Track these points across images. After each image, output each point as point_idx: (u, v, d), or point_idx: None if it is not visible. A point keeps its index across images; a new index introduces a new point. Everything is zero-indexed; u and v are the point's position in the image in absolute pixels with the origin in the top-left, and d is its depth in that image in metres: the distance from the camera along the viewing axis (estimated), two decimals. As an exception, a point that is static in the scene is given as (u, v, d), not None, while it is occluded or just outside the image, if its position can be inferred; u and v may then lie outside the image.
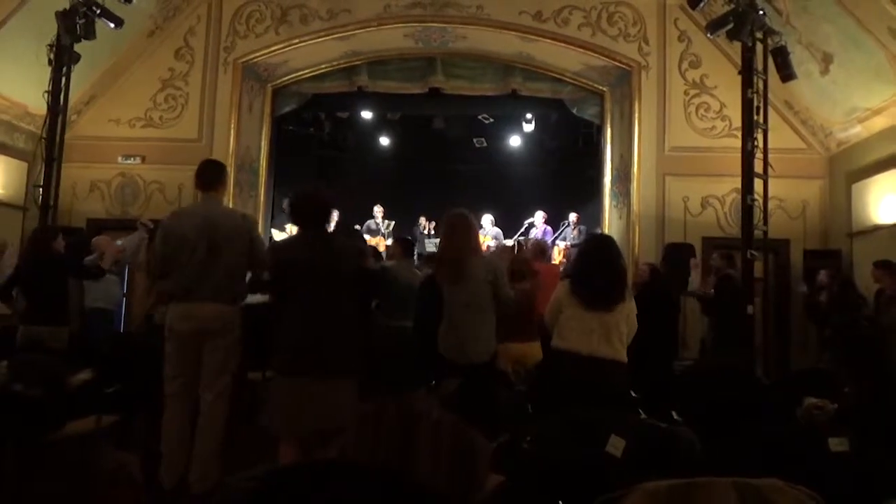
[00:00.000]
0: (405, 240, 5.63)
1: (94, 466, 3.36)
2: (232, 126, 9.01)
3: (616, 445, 2.14)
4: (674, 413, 3.25)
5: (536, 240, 8.99)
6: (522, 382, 4.10)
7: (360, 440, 2.73)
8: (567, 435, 2.26)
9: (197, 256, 3.56)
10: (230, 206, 8.43)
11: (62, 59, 6.60)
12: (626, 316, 3.69)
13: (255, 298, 4.11)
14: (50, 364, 3.43)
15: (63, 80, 6.66)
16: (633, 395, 3.94)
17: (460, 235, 3.89)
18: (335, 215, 9.41)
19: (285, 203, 10.43)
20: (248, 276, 3.77)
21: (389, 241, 10.18)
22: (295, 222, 3.42)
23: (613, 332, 3.61)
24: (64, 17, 6.42)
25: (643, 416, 3.23)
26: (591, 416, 2.34)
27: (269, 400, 3.28)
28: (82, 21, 6.53)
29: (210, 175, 3.79)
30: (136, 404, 3.91)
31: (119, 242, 5.89)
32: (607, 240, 4.15)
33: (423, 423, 2.54)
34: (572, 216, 10.74)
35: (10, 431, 3.27)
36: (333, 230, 7.42)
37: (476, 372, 3.59)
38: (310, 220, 3.34)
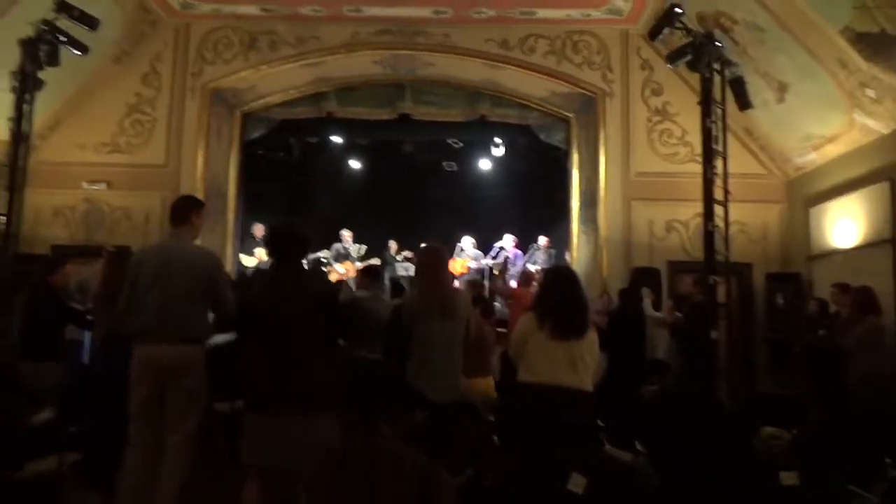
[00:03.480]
0: (371, 268, 5.63)
1: (56, 506, 3.31)
2: (200, 151, 8.97)
3: (577, 483, 2.18)
4: (637, 443, 3.31)
5: (524, 269, 9.10)
6: (489, 412, 4.13)
7: (324, 475, 2.74)
8: (529, 472, 2.29)
9: (152, 297, 3.52)
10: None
11: (26, 86, 6.53)
12: (591, 346, 3.75)
13: (220, 338, 4.06)
14: (10, 404, 3.38)
15: (26, 107, 6.57)
16: (600, 423, 4.00)
17: (443, 272, 3.91)
18: None
19: (254, 228, 10.43)
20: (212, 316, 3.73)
21: (359, 265, 10.19)
22: (270, 255, 3.43)
23: (578, 362, 3.66)
24: (27, 45, 6.35)
25: (607, 446, 3.28)
26: (552, 453, 2.38)
27: (241, 434, 3.25)
28: (46, 48, 6.48)
29: (177, 210, 3.75)
30: (97, 441, 3.85)
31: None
32: (567, 271, 4.23)
33: (387, 458, 2.56)
34: (542, 240, 10.86)
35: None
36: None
37: (447, 408, 3.60)
38: (284, 255, 3.36)
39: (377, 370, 4.20)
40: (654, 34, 6.85)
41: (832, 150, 7.65)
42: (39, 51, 6.43)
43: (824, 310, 6.96)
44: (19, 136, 6.55)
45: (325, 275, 4.56)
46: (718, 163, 6.40)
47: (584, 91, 9.08)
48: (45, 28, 6.43)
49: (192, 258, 3.64)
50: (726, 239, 6.39)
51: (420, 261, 4.17)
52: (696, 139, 7.89)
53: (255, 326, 3.24)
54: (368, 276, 5.25)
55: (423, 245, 4.21)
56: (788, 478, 2.18)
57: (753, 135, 8.68)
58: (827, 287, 7.04)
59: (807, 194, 8.30)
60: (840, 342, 6.11)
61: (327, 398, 3.10)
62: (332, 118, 10.02)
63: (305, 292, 3.23)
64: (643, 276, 7.99)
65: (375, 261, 10.62)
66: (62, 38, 6.57)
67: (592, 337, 3.73)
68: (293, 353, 3.14)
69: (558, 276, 3.93)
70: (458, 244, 11.02)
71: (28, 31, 6.44)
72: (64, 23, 6.56)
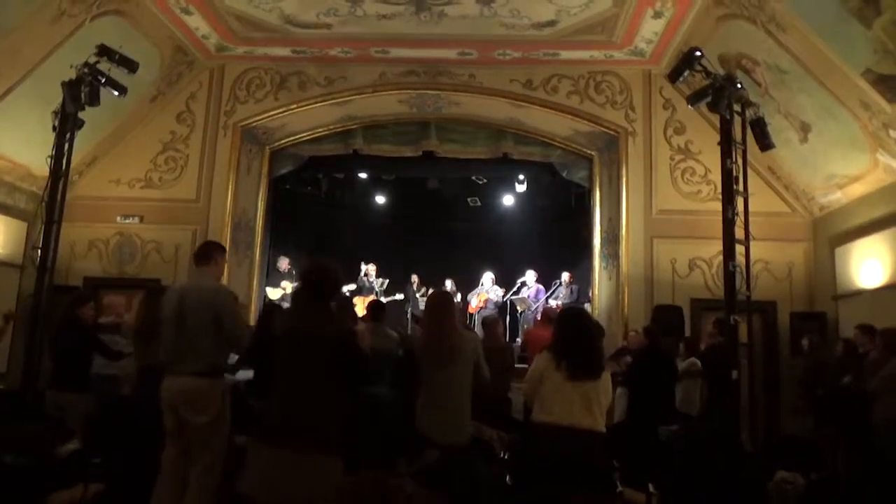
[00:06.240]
0: (375, 303, 5.72)
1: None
2: (230, 187, 9.22)
3: (582, 524, 2.20)
4: (650, 485, 3.30)
5: (546, 309, 9.11)
6: (504, 449, 4.14)
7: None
8: (536, 513, 2.32)
9: (171, 331, 3.73)
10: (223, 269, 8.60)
11: (66, 125, 6.81)
12: (605, 387, 3.77)
13: (244, 375, 4.16)
14: (38, 435, 3.50)
15: (66, 145, 6.84)
16: (615, 464, 3.99)
17: (448, 318, 3.95)
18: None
19: (279, 261, 10.62)
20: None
21: (383, 300, 10.29)
22: (300, 290, 3.49)
23: (594, 403, 3.69)
24: (69, 87, 6.65)
25: (619, 488, 3.27)
26: (565, 494, 2.40)
27: (247, 465, 3.28)
28: (87, 90, 6.77)
29: (200, 253, 4.02)
30: (122, 472, 3.94)
31: None
32: (582, 312, 4.26)
33: (398, 496, 2.60)
34: (565, 276, 10.89)
35: (-3, 500, 3.32)
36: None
37: (457, 450, 3.61)
38: (313, 293, 3.34)
39: (393, 409, 4.27)
40: (674, 77, 6.91)
41: (857, 190, 7.60)
42: (81, 92, 6.72)
43: (852, 351, 6.85)
44: (58, 173, 6.81)
45: (345, 317, 4.57)
46: (739, 203, 6.40)
47: (606, 130, 9.17)
48: (87, 71, 6.74)
49: (208, 296, 3.80)
50: (748, 279, 6.35)
51: (426, 305, 4.25)
52: (719, 178, 7.85)
53: (271, 360, 3.29)
54: (369, 311, 5.36)
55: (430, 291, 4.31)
56: (795, 525, 2.17)
57: (777, 174, 8.66)
58: (853, 327, 6.93)
59: (832, 233, 8.22)
60: (865, 385, 6.02)
61: (337, 439, 3.12)
62: (359, 155, 10.22)
63: (323, 335, 3.24)
64: (666, 315, 7.95)
65: (399, 296, 10.75)
66: (102, 80, 6.87)
67: (607, 378, 3.75)
68: (306, 392, 3.16)
69: (573, 317, 3.96)
70: (482, 279, 11.19)
71: (70, 73, 6.75)
72: (105, 65, 6.86)
